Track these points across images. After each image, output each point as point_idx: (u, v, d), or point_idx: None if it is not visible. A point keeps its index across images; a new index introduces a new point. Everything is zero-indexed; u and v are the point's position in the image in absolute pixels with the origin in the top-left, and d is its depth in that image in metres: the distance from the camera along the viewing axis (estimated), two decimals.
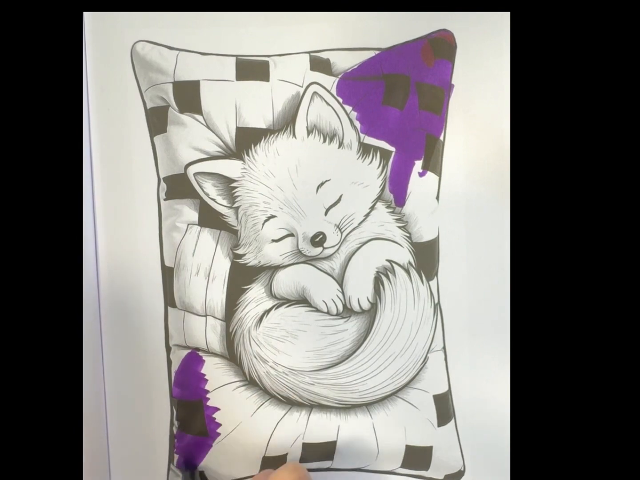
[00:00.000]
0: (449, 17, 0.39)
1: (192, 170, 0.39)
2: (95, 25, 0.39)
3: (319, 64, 0.39)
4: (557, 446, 0.27)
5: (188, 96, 0.38)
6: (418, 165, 0.39)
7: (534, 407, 0.28)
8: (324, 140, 0.39)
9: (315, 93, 0.38)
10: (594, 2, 0.29)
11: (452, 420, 0.41)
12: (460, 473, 0.42)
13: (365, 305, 0.39)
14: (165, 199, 0.40)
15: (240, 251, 0.39)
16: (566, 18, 0.29)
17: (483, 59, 0.39)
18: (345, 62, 0.39)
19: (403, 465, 0.41)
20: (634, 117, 0.28)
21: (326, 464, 0.41)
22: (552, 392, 0.28)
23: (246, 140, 0.38)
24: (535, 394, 0.28)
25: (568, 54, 0.29)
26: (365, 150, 0.39)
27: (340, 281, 0.39)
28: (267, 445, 0.40)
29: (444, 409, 0.41)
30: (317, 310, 0.39)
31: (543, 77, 0.29)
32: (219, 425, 0.39)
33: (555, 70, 0.29)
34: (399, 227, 0.40)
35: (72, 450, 0.25)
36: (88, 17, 0.39)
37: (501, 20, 0.38)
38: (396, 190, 0.39)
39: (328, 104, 0.39)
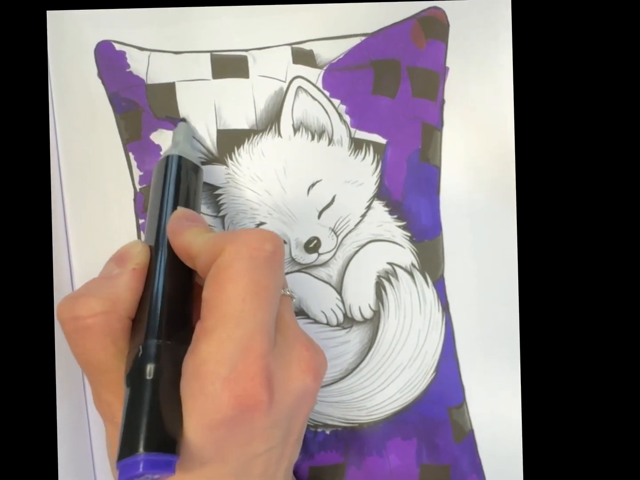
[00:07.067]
0: None
1: None
2: (59, 25, 0.36)
3: (302, 56, 0.37)
4: (572, 459, 0.26)
5: (164, 99, 0.37)
6: (415, 157, 0.37)
7: (546, 416, 0.26)
8: (312, 138, 0.37)
9: (299, 87, 0.37)
10: None
11: (471, 435, 0.38)
12: None
13: (367, 314, 0.37)
14: (145, 212, 0.38)
15: None
16: None
17: (480, 38, 0.37)
18: (330, 52, 0.37)
19: None
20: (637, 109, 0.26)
21: None
22: (563, 397, 0.26)
23: (228, 143, 0.37)
24: (547, 399, 0.26)
25: (574, 29, 0.27)
26: (357, 145, 0.37)
27: (339, 289, 0.37)
28: None
29: (461, 422, 0.38)
30: (316, 321, 0.37)
31: (547, 56, 0.28)
32: None
33: (559, 49, 0.28)
34: (399, 227, 0.38)
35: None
36: (51, 16, 0.36)
37: None
38: (393, 187, 0.37)
39: (314, 98, 0.37)
